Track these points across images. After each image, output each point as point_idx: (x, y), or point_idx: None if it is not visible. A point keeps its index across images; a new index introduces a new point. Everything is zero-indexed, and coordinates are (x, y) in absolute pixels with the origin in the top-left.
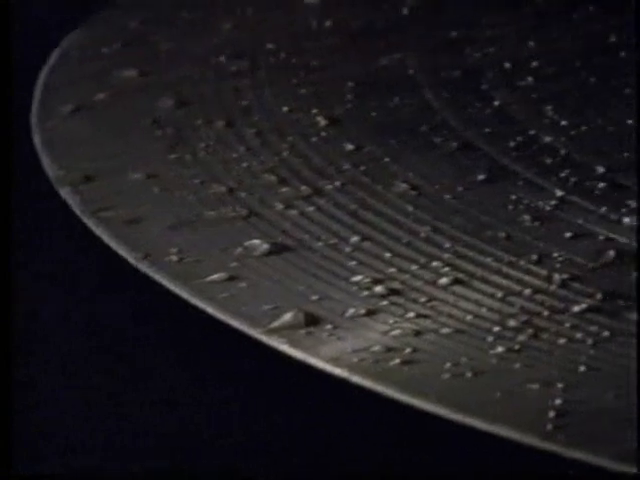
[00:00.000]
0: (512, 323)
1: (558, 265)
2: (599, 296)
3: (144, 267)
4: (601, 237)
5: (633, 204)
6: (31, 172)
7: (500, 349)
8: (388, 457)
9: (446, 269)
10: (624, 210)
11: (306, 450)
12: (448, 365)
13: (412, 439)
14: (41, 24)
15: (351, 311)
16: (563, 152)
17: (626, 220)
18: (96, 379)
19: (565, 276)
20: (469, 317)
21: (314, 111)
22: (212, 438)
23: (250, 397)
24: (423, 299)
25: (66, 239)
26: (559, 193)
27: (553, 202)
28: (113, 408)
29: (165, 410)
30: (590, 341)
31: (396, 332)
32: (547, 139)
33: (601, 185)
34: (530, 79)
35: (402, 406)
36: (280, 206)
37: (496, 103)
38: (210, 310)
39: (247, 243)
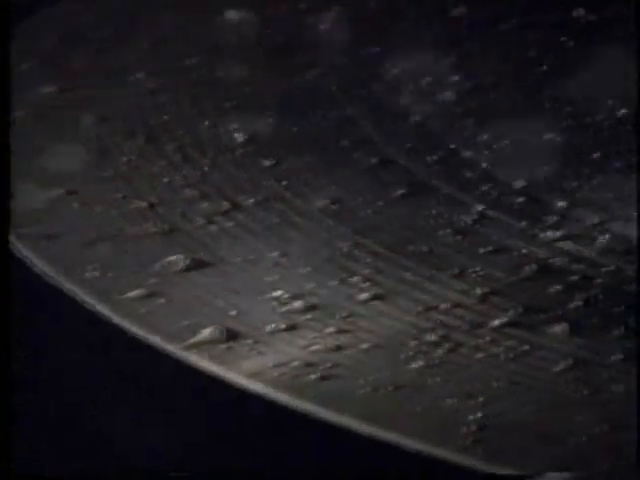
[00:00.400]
0: (431, 337)
1: (478, 279)
2: (518, 310)
3: (63, 283)
4: (520, 251)
5: (551, 219)
6: None
7: (419, 363)
8: (305, 470)
9: (366, 284)
10: (543, 224)
11: (227, 464)
12: (367, 380)
13: (332, 453)
14: None
15: (271, 326)
16: (483, 167)
17: (545, 234)
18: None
19: (484, 290)
20: (388, 332)
21: (235, 126)
22: (131, 448)
23: (170, 411)
24: (343, 314)
25: None
26: (479, 208)
27: (473, 217)
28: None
29: (83, 422)
30: (509, 355)
31: (316, 347)
32: (467, 154)
33: (520, 200)
34: (450, 93)
35: (322, 421)
36: (200, 221)
37: (416, 118)
38: (130, 326)
39: (167, 259)
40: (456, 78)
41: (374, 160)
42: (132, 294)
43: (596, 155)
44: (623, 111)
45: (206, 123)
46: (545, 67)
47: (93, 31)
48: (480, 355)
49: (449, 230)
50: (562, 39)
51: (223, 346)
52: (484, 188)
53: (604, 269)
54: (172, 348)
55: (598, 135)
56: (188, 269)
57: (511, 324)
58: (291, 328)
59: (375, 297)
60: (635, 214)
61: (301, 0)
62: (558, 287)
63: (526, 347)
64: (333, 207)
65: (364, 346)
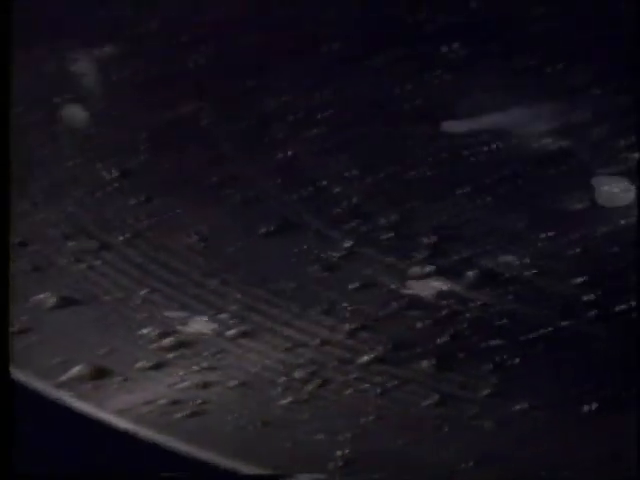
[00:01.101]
0: (300, 374)
1: (346, 315)
2: (387, 346)
3: None
4: (389, 287)
5: (420, 254)
6: None
7: (288, 400)
8: None
9: (234, 321)
10: (412, 260)
11: None
12: (235, 416)
13: None
14: None
15: (139, 364)
16: (353, 202)
17: (413, 270)
18: None
19: (353, 326)
20: (257, 369)
21: (106, 162)
22: None
23: (39, 450)
24: (210, 351)
25: None
26: (348, 243)
27: (341, 252)
28: None
29: None
30: (378, 391)
31: (184, 384)
32: (337, 189)
33: (389, 235)
34: (323, 128)
35: (190, 457)
36: (69, 260)
37: (289, 153)
38: None
39: (37, 297)
40: (327, 113)
41: (244, 196)
42: None
43: (465, 190)
44: (494, 145)
45: (78, 160)
46: (417, 101)
47: None
48: (349, 391)
49: (318, 266)
50: (434, 73)
51: (91, 384)
52: (353, 224)
53: (472, 304)
54: (43, 385)
55: (468, 169)
56: (58, 307)
57: (379, 360)
58: (160, 365)
59: (244, 334)
60: (500, 250)
61: (175, 35)
62: (426, 322)
63: (394, 383)
64: (202, 244)
65: (232, 383)
